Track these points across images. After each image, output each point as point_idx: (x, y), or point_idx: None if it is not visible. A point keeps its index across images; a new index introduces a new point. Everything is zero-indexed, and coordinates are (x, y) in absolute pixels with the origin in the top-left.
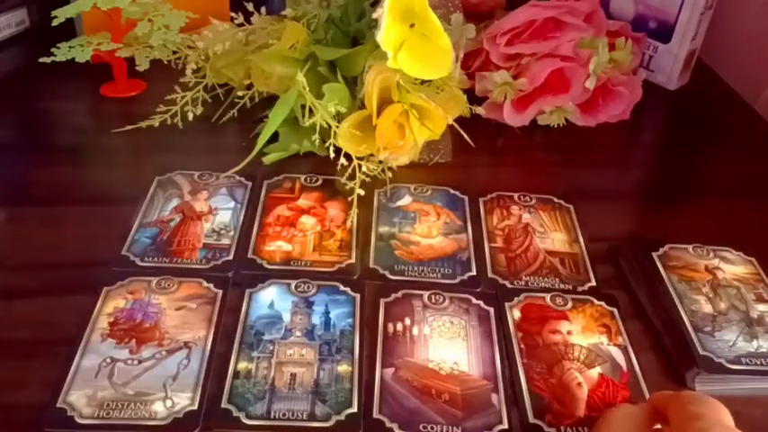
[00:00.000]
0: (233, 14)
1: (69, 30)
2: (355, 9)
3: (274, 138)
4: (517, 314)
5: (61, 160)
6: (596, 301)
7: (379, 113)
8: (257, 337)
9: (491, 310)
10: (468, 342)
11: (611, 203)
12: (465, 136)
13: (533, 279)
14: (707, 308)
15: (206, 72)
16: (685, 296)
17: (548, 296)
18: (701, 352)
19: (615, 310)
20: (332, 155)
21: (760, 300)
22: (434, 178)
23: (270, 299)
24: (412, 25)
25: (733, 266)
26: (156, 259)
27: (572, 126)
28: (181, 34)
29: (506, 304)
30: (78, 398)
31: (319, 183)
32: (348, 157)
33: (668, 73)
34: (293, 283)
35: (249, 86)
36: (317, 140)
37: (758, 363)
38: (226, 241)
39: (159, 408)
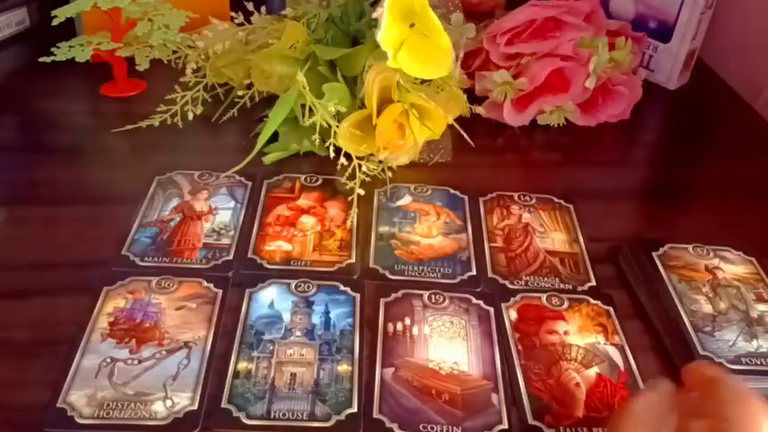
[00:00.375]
0: (233, 14)
1: (69, 29)
2: (355, 9)
3: (274, 137)
4: (513, 315)
5: (61, 160)
6: (592, 301)
7: (379, 113)
8: (257, 337)
9: (491, 309)
10: (468, 342)
11: (611, 203)
12: (465, 136)
13: (533, 279)
14: (707, 308)
15: (206, 72)
16: (685, 296)
17: (543, 296)
18: (702, 352)
19: (611, 309)
20: (332, 154)
21: (760, 299)
22: (434, 178)
23: (270, 299)
24: (412, 25)
25: (733, 266)
26: (156, 259)
27: (572, 126)
28: (181, 34)
29: (503, 305)
30: (78, 398)
31: (319, 182)
32: (348, 156)
33: (668, 73)
34: (293, 282)
35: (249, 86)
36: (317, 140)
37: (758, 363)
38: (226, 241)
39: (159, 408)
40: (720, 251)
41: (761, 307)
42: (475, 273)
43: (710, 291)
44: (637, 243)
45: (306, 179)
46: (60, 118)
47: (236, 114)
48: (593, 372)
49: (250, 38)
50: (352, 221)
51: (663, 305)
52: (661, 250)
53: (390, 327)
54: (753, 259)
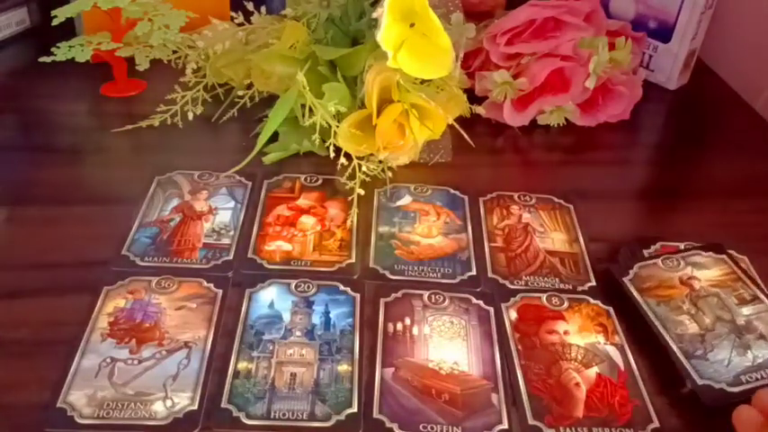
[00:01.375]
0: (233, 14)
1: (69, 29)
2: (355, 9)
3: (274, 137)
4: (514, 315)
5: (61, 160)
6: (592, 301)
7: (379, 113)
8: (257, 337)
9: (491, 309)
10: (468, 342)
11: (611, 203)
12: (465, 136)
13: (533, 279)
14: (692, 327)
15: (206, 72)
16: (668, 320)
17: (544, 296)
18: (700, 381)
19: (611, 309)
20: (332, 154)
21: (742, 302)
22: (434, 178)
23: (270, 299)
24: (412, 25)
25: (707, 271)
26: (156, 259)
27: (572, 126)
28: (181, 34)
29: (503, 305)
30: (78, 398)
31: (319, 182)
32: (348, 156)
33: (668, 73)
34: (293, 282)
35: (249, 86)
36: (317, 140)
37: (759, 377)
38: (226, 241)
39: (159, 408)
40: (690, 257)
41: (745, 310)
42: (475, 273)
43: (691, 306)
44: (635, 242)
45: (306, 179)
46: (60, 118)
47: (236, 114)
48: (593, 372)
49: (250, 38)
50: (352, 221)
51: (650, 331)
52: (631, 273)
53: (390, 327)
54: (724, 257)
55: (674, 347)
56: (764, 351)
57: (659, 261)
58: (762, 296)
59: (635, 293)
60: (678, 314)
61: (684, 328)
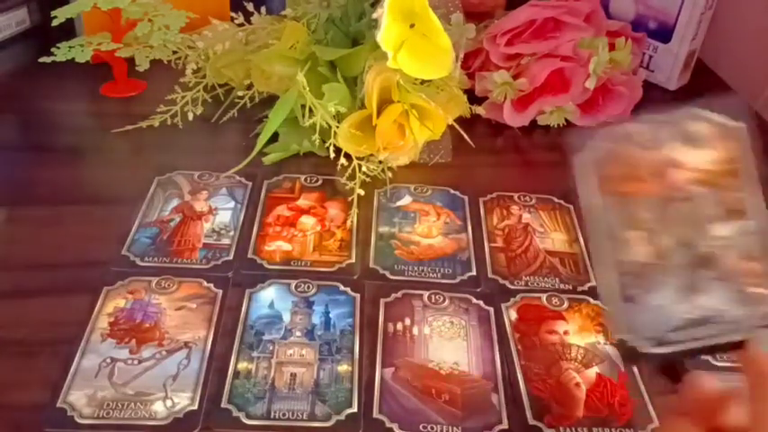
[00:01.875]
0: (233, 14)
1: (69, 30)
2: (355, 9)
3: (274, 138)
4: (513, 315)
5: (61, 160)
6: (592, 301)
7: (379, 113)
8: (257, 337)
9: (491, 309)
10: (468, 342)
11: None
12: (465, 136)
13: (533, 279)
14: (643, 252)
15: (206, 72)
16: (616, 238)
17: (544, 296)
18: (620, 335)
19: None
20: (332, 155)
21: (723, 215)
22: (434, 178)
23: (270, 299)
24: (412, 25)
25: (702, 151)
26: (156, 259)
27: (572, 126)
28: (181, 34)
29: (503, 305)
30: (78, 398)
31: (319, 183)
32: (348, 157)
33: (668, 73)
34: (293, 282)
35: (249, 86)
36: (317, 140)
37: (690, 337)
38: (226, 241)
39: (159, 408)
40: (686, 121)
41: (720, 229)
42: (475, 273)
43: (654, 218)
44: None
45: (306, 179)
46: (60, 118)
47: (236, 115)
48: (593, 372)
49: (250, 38)
50: (352, 222)
51: None
52: (594, 146)
53: (390, 327)
54: (742, 126)
55: (605, 283)
56: (711, 300)
57: (638, 125)
58: (753, 207)
59: (589, 188)
60: (633, 228)
61: (632, 252)
